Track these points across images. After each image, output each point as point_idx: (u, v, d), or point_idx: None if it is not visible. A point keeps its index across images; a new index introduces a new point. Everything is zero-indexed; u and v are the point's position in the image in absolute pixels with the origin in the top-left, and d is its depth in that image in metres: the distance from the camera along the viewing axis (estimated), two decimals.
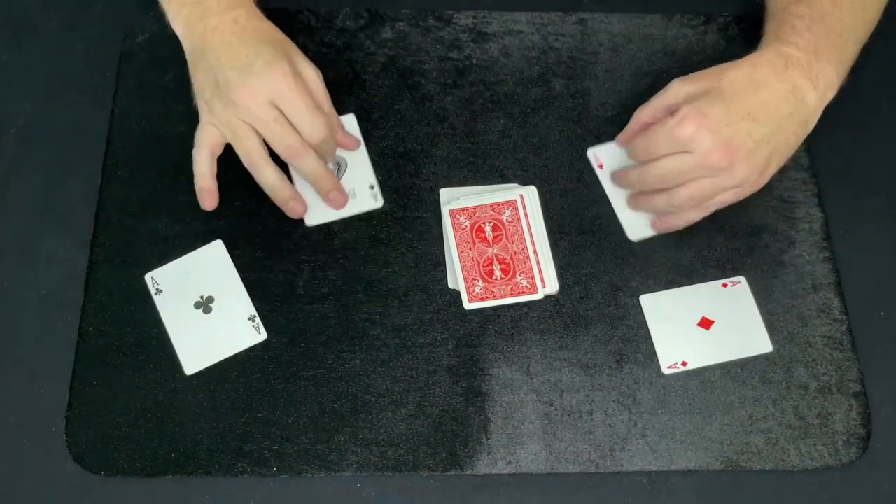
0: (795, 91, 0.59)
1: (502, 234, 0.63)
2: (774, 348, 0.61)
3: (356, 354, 0.61)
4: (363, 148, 0.67)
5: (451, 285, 0.63)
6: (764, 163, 0.59)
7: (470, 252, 0.63)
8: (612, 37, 0.71)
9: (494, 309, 0.62)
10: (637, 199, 0.64)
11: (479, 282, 0.62)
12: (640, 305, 0.62)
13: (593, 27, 0.71)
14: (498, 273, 0.62)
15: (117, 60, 0.68)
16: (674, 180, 0.60)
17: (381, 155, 0.66)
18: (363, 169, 0.66)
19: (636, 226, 0.65)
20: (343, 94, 0.68)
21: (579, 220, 0.65)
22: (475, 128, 0.68)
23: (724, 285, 0.63)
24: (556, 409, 0.60)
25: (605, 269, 0.64)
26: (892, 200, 0.67)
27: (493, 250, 0.63)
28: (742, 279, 0.63)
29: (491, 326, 0.62)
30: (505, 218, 0.64)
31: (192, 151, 0.63)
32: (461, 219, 0.64)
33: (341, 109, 0.67)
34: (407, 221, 0.65)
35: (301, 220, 0.64)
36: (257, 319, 0.61)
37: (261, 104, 0.59)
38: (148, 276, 0.61)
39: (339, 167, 0.64)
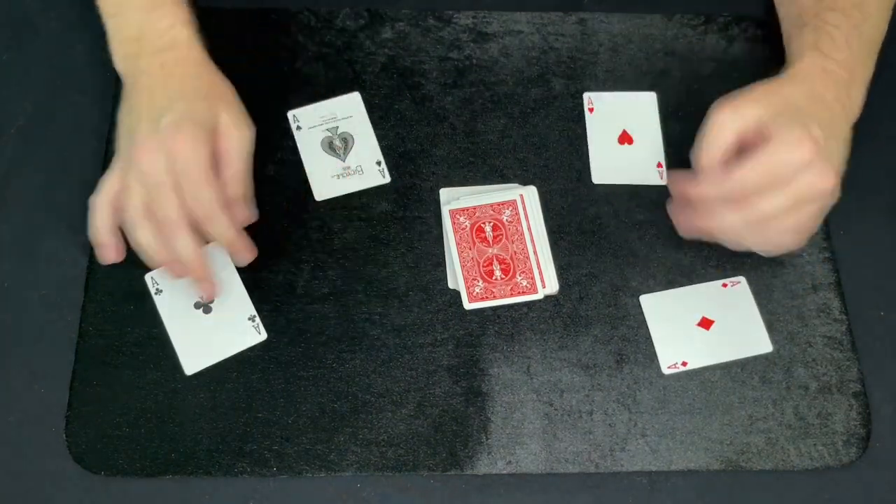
0: (844, 110, 0.58)
1: (502, 234, 0.63)
2: (774, 348, 0.61)
3: (356, 354, 0.61)
4: (369, 126, 0.67)
5: (451, 285, 0.63)
6: (841, 182, 0.57)
7: (470, 252, 0.63)
8: (612, 37, 0.71)
9: (494, 309, 0.62)
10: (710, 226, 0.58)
11: (479, 282, 0.62)
12: (640, 305, 0.62)
13: (593, 27, 0.71)
14: (498, 273, 0.62)
15: None
16: (782, 214, 0.55)
17: (382, 155, 0.66)
18: (370, 146, 0.66)
19: None
20: (343, 95, 0.68)
21: (579, 220, 0.65)
22: (475, 128, 0.68)
23: (724, 285, 0.63)
24: (556, 409, 0.60)
25: (605, 269, 0.64)
26: (892, 200, 0.67)
27: (493, 250, 0.63)
28: (742, 279, 0.63)
29: (491, 326, 0.62)
30: (505, 218, 0.64)
31: (89, 199, 0.58)
32: (461, 219, 0.64)
33: None
34: (407, 221, 0.65)
35: (302, 219, 0.64)
36: (257, 319, 0.61)
37: (153, 165, 0.54)
38: (148, 277, 0.61)
39: (347, 144, 0.65)
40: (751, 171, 0.55)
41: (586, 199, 0.66)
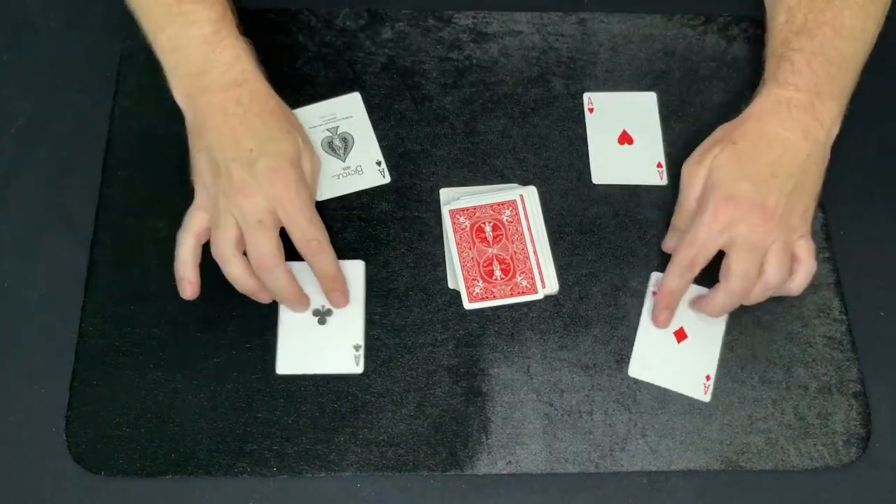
0: (807, 134, 0.59)
1: (502, 234, 0.63)
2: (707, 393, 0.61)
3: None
4: (369, 126, 0.67)
5: (451, 285, 0.63)
6: (803, 207, 0.59)
7: (470, 252, 0.63)
8: (612, 37, 0.71)
9: (494, 309, 0.62)
10: (714, 305, 0.60)
11: (479, 282, 0.62)
12: (640, 305, 0.62)
13: (593, 27, 0.71)
14: (498, 273, 0.62)
15: (117, 60, 0.68)
16: (742, 271, 0.58)
17: (382, 155, 0.66)
18: (370, 146, 0.66)
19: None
20: (343, 95, 0.68)
21: (579, 220, 0.65)
22: (475, 128, 0.68)
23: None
24: (556, 409, 0.60)
25: (605, 269, 0.64)
26: (892, 200, 0.67)
27: (493, 250, 0.63)
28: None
29: (491, 326, 0.62)
30: (505, 218, 0.64)
31: (178, 234, 0.59)
32: (461, 219, 0.64)
33: None
34: (407, 221, 0.65)
35: None
36: (361, 350, 0.60)
37: (255, 206, 0.57)
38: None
39: (347, 144, 0.65)
40: (685, 251, 0.59)
41: (586, 199, 0.66)
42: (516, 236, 0.63)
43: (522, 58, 0.70)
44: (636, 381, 0.60)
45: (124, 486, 0.57)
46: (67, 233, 0.63)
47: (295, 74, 0.68)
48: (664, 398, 0.60)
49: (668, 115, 0.68)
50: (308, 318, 0.61)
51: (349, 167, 0.66)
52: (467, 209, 0.64)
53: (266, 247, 0.57)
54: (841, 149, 0.64)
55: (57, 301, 0.61)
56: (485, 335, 0.62)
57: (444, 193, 0.65)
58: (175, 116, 0.66)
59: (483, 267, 0.62)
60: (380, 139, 0.67)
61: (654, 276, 0.63)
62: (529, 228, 0.64)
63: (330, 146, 0.66)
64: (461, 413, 0.59)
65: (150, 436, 0.58)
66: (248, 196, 0.57)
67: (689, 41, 0.71)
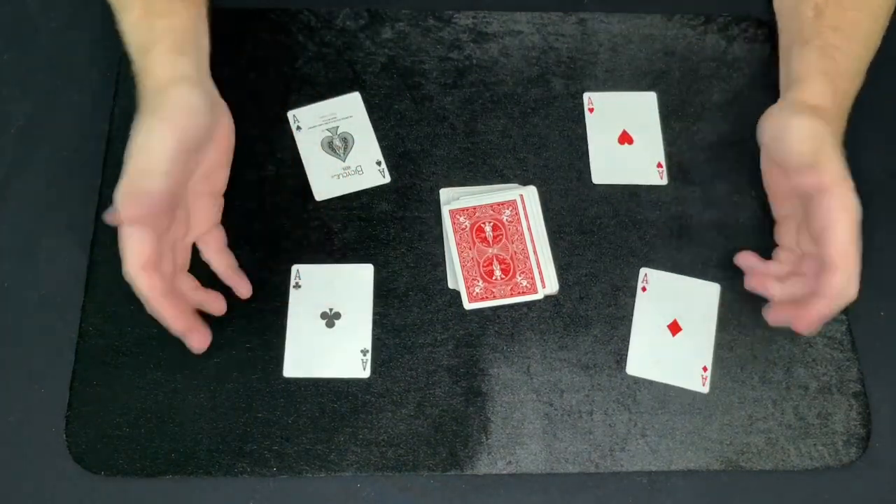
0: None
1: (502, 234, 0.63)
2: (710, 390, 0.60)
3: None
4: (369, 126, 0.67)
5: (451, 285, 0.63)
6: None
7: (470, 252, 0.63)
8: (612, 37, 0.71)
9: (494, 309, 0.62)
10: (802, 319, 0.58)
11: (479, 282, 0.62)
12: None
13: (593, 27, 0.71)
14: (498, 273, 0.62)
15: (117, 60, 0.68)
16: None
17: (382, 155, 0.66)
18: (370, 146, 0.66)
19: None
20: (343, 95, 0.68)
21: (579, 220, 0.65)
22: (475, 128, 0.68)
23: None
24: (556, 409, 0.60)
25: (605, 269, 0.64)
26: (892, 200, 0.67)
27: (493, 250, 0.63)
28: (717, 287, 0.63)
29: (491, 326, 0.62)
30: (505, 218, 0.64)
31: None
32: (461, 219, 0.64)
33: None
34: (407, 221, 0.65)
35: (302, 219, 0.64)
36: (368, 355, 0.60)
37: None
38: (294, 268, 0.62)
39: (347, 144, 0.65)
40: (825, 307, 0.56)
41: (586, 199, 0.66)
42: (516, 236, 0.63)
43: (522, 58, 0.70)
44: (636, 381, 0.60)
45: (124, 486, 0.57)
46: (67, 233, 0.63)
47: (295, 74, 0.68)
48: (664, 398, 0.60)
49: (668, 115, 0.68)
50: (316, 321, 0.61)
51: (349, 167, 0.66)
52: (467, 209, 0.64)
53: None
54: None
55: (57, 301, 0.61)
56: (485, 335, 0.62)
57: (444, 193, 0.65)
58: None
59: (483, 267, 0.62)
60: (380, 139, 0.67)
61: (643, 272, 0.63)
62: (529, 228, 0.64)
63: (330, 146, 0.66)
64: (461, 413, 0.59)
65: (150, 436, 0.58)
66: None
67: (689, 41, 0.71)
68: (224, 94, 0.67)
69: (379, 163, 0.66)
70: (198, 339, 0.58)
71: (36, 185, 0.65)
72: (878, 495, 0.59)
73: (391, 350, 0.61)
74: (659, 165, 0.67)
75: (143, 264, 0.54)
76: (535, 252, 0.63)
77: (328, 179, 0.65)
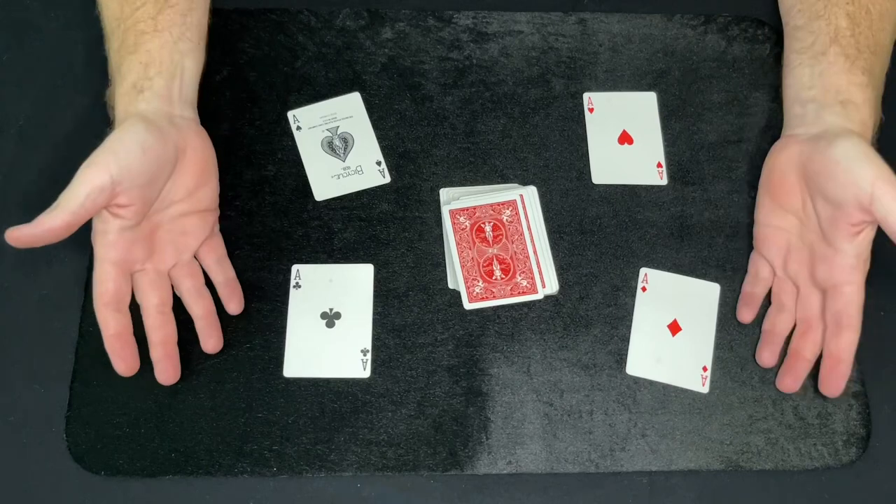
0: None
1: (502, 234, 0.63)
2: (711, 390, 0.61)
3: None
4: (369, 126, 0.67)
5: (451, 285, 0.63)
6: None
7: (470, 252, 0.63)
8: (612, 37, 0.71)
9: (494, 309, 0.62)
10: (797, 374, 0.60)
11: (479, 282, 0.62)
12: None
13: (593, 27, 0.71)
14: (498, 273, 0.62)
15: None
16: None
17: (382, 155, 0.66)
18: (370, 146, 0.66)
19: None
20: (343, 95, 0.68)
21: (579, 220, 0.65)
22: (475, 128, 0.68)
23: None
24: (556, 409, 0.60)
25: (605, 269, 0.64)
26: None
27: (493, 250, 0.63)
28: (717, 287, 0.63)
29: (491, 326, 0.62)
30: (505, 218, 0.64)
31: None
32: (461, 219, 0.64)
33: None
34: (407, 221, 0.65)
35: (302, 219, 0.64)
36: (369, 355, 0.60)
37: None
38: (294, 268, 0.62)
39: (347, 144, 0.65)
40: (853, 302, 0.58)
41: (586, 199, 0.66)
42: (516, 236, 0.63)
43: (522, 58, 0.70)
44: (636, 381, 0.60)
45: (124, 486, 0.57)
46: None
47: (295, 74, 0.68)
48: (664, 398, 0.60)
49: (668, 115, 0.68)
50: (316, 321, 0.61)
51: (349, 167, 0.66)
52: (467, 209, 0.64)
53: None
54: None
55: (57, 301, 0.61)
56: (485, 335, 0.62)
57: (444, 193, 0.65)
58: None
59: (483, 267, 0.62)
60: (380, 139, 0.67)
61: (643, 272, 0.63)
62: (529, 228, 0.64)
63: (330, 146, 0.66)
64: (461, 413, 0.59)
65: (150, 436, 0.58)
66: None
67: (689, 41, 0.71)
68: (224, 94, 0.68)
69: (379, 163, 0.66)
70: (162, 373, 0.58)
71: (36, 185, 0.65)
72: (878, 495, 0.59)
73: (391, 350, 0.61)
74: (659, 165, 0.67)
75: (106, 302, 0.56)
76: (535, 252, 0.63)
77: (328, 179, 0.65)
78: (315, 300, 0.62)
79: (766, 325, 0.61)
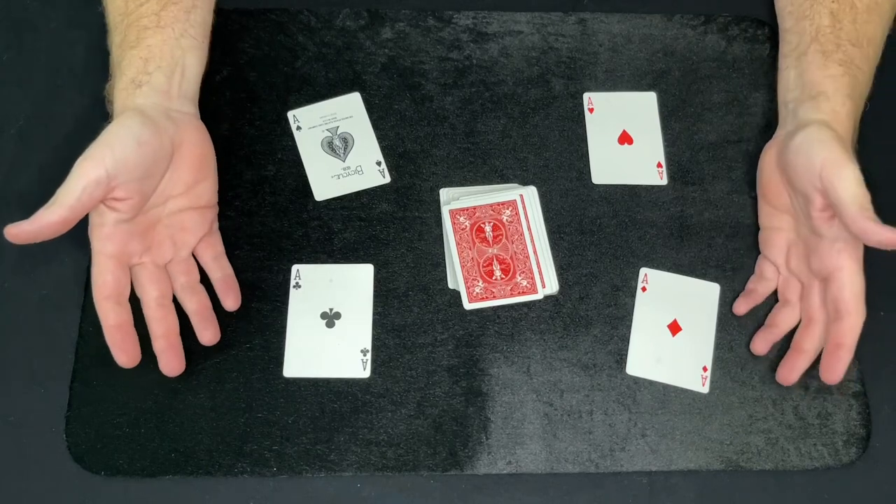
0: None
1: (502, 234, 0.63)
2: (710, 391, 0.61)
3: None
4: (369, 126, 0.67)
5: (451, 285, 0.63)
6: None
7: (470, 252, 0.63)
8: (612, 37, 0.71)
9: (494, 309, 0.62)
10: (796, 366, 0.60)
11: (479, 282, 0.62)
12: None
13: (593, 27, 0.71)
14: (498, 273, 0.62)
15: None
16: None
17: (382, 155, 0.66)
18: (370, 146, 0.66)
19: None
20: (343, 95, 0.68)
21: (579, 220, 0.65)
22: (475, 128, 0.68)
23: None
24: (556, 409, 0.60)
25: (605, 269, 0.64)
26: (892, 200, 0.67)
27: (493, 250, 0.63)
28: (717, 287, 0.63)
29: (491, 326, 0.62)
30: (505, 218, 0.64)
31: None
32: (461, 219, 0.64)
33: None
34: (407, 221, 0.65)
35: (302, 219, 0.64)
36: (368, 355, 0.60)
37: None
38: (294, 268, 0.62)
39: (347, 144, 0.65)
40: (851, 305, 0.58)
41: (586, 199, 0.66)
42: (516, 236, 0.63)
43: (522, 58, 0.70)
44: (636, 381, 0.60)
45: (124, 486, 0.57)
46: (67, 233, 0.63)
47: (295, 74, 0.68)
48: (664, 398, 0.60)
49: (668, 115, 0.68)
50: (316, 321, 0.61)
51: (349, 167, 0.66)
52: (467, 209, 0.64)
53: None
54: None
55: (57, 301, 0.61)
56: (485, 335, 0.62)
57: (444, 193, 0.65)
58: None
59: (483, 267, 0.62)
60: (380, 139, 0.67)
61: (643, 272, 0.63)
62: (529, 228, 0.64)
63: (330, 146, 0.66)
64: (461, 413, 0.59)
65: (150, 436, 0.58)
66: None
67: (689, 41, 0.71)
68: (224, 94, 0.68)
69: (379, 163, 0.66)
70: (167, 364, 0.58)
71: (36, 185, 0.65)
72: (878, 495, 0.59)
73: (391, 350, 0.61)
74: (659, 165, 0.67)
75: (107, 295, 0.56)
76: (535, 252, 0.63)
77: (328, 179, 0.65)
78: (315, 300, 0.62)
79: (769, 318, 0.62)
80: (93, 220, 0.56)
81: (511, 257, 0.63)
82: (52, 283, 0.62)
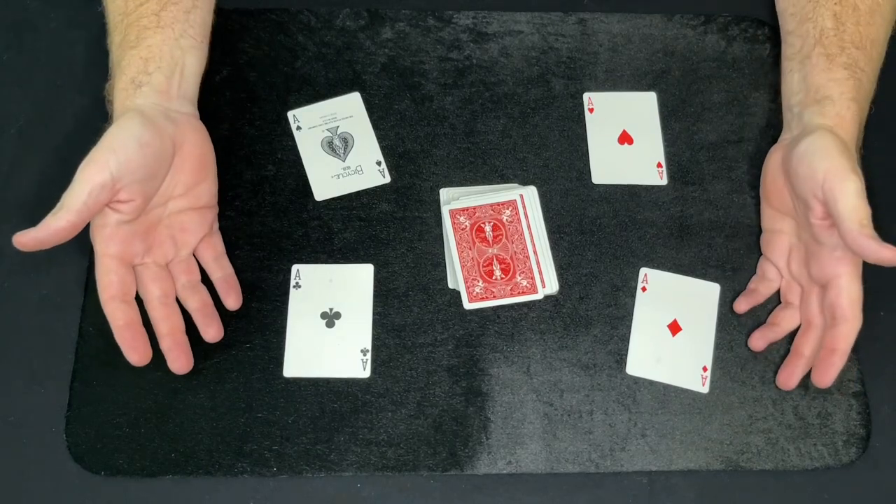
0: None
1: (502, 234, 0.63)
2: (709, 390, 0.60)
3: None
4: (369, 126, 0.67)
5: (451, 285, 0.63)
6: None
7: (470, 252, 0.63)
8: (612, 37, 0.71)
9: (494, 309, 0.62)
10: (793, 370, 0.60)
11: (479, 282, 0.62)
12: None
13: (593, 27, 0.71)
14: (498, 273, 0.62)
15: None
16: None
17: (382, 155, 0.66)
18: (370, 146, 0.66)
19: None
20: (343, 95, 0.68)
21: (579, 220, 0.65)
22: (475, 128, 0.68)
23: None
24: (556, 409, 0.60)
25: (605, 269, 0.64)
26: (892, 200, 0.67)
27: (493, 250, 0.63)
28: (717, 287, 0.63)
29: (491, 326, 0.62)
30: (505, 218, 0.64)
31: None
32: (461, 219, 0.64)
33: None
34: (407, 221, 0.65)
35: (302, 219, 0.64)
36: (368, 355, 0.60)
37: None
38: (294, 268, 0.62)
39: (347, 144, 0.65)
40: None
41: (586, 199, 0.66)
42: (516, 236, 0.63)
43: (522, 58, 0.70)
44: (636, 381, 0.60)
45: (124, 486, 0.57)
46: None
47: (295, 74, 0.68)
48: (664, 398, 0.60)
49: (668, 115, 0.68)
50: (316, 321, 0.61)
51: (349, 167, 0.66)
52: (467, 209, 0.64)
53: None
54: None
55: (57, 301, 0.61)
56: (485, 335, 0.62)
57: (444, 193, 0.65)
58: None
59: (483, 267, 0.62)
60: (380, 139, 0.67)
61: (643, 272, 0.63)
62: (529, 228, 0.64)
63: (330, 146, 0.66)
64: (461, 413, 0.59)
65: (150, 436, 0.58)
66: None
67: (689, 41, 0.71)
68: (224, 94, 0.68)
69: (379, 163, 0.66)
70: (174, 361, 0.58)
71: (36, 185, 0.65)
72: (878, 495, 0.59)
73: (391, 350, 0.61)
74: (659, 165, 0.67)
75: (112, 295, 0.56)
76: (535, 252, 0.63)
77: (328, 179, 0.65)
78: (315, 300, 0.62)
79: (771, 316, 0.62)
80: (95, 222, 0.56)
81: (511, 257, 0.63)
82: (52, 283, 0.62)
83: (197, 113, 0.62)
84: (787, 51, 0.65)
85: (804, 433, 0.59)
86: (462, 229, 0.63)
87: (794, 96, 0.63)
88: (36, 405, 0.59)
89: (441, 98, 0.68)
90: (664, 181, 0.66)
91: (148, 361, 0.57)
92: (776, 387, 0.60)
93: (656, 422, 0.59)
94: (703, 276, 0.64)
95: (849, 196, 0.54)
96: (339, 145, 0.66)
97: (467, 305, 0.62)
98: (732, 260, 0.64)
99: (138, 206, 0.56)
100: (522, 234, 0.63)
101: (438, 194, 0.65)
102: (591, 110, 0.68)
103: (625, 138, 0.68)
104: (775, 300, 0.63)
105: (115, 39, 0.61)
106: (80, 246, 0.62)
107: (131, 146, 0.55)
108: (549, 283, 0.62)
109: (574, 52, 0.70)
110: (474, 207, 0.64)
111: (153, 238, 0.59)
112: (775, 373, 0.61)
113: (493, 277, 0.62)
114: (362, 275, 0.62)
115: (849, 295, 0.57)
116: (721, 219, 0.65)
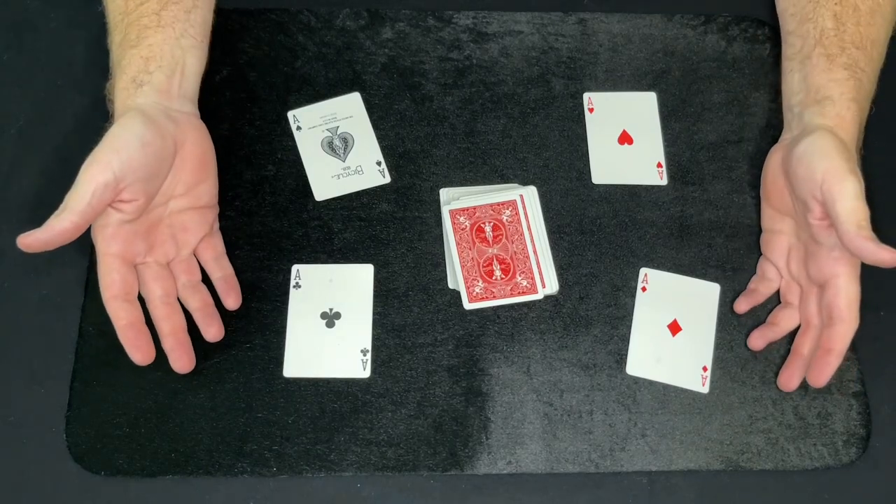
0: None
1: (502, 234, 0.63)
2: (709, 390, 0.60)
3: None
4: (369, 126, 0.67)
5: (451, 285, 0.63)
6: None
7: (470, 252, 0.63)
8: (612, 37, 0.71)
9: (494, 309, 0.62)
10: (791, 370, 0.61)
11: (479, 282, 0.62)
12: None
13: (593, 27, 0.71)
14: (498, 273, 0.62)
15: None
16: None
17: (382, 155, 0.66)
18: (370, 146, 0.66)
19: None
20: (343, 95, 0.68)
21: (579, 220, 0.65)
22: (475, 128, 0.68)
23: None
24: (556, 409, 0.60)
25: (605, 269, 0.64)
26: (892, 200, 0.67)
27: (493, 250, 0.63)
28: (717, 287, 0.63)
29: (491, 326, 0.62)
30: (505, 218, 0.64)
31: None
32: (461, 219, 0.64)
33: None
34: (407, 221, 0.65)
35: (302, 219, 0.64)
36: (368, 355, 0.60)
37: None
38: (294, 268, 0.62)
39: (347, 144, 0.65)
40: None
41: (586, 199, 0.66)
42: (516, 236, 0.63)
43: (522, 58, 0.70)
44: (636, 381, 0.60)
45: (124, 486, 0.57)
46: None
47: (295, 74, 0.68)
48: (664, 398, 0.60)
49: (668, 115, 0.68)
50: (316, 321, 0.61)
51: (349, 167, 0.66)
52: (467, 209, 0.64)
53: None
54: None
55: (57, 301, 0.61)
56: (485, 335, 0.62)
57: (444, 193, 0.65)
58: None
59: (483, 267, 0.62)
60: (380, 139, 0.67)
61: (643, 272, 0.63)
62: (529, 228, 0.64)
63: (330, 146, 0.66)
64: (461, 413, 0.59)
65: (150, 436, 0.58)
66: None
67: (689, 41, 0.71)
68: (224, 94, 0.68)
69: (379, 163, 0.66)
70: (177, 360, 0.58)
71: (36, 185, 0.65)
72: (878, 495, 0.59)
73: (391, 350, 0.61)
74: (659, 165, 0.67)
75: (115, 294, 0.56)
76: (535, 252, 0.63)
77: (328, 179, 0.65)
78: (315, 300, 0.62)
79: (770, 316, 0.62)
80: (97, 221, 0.56)
81: (511, 257, 0.63)
82: (52, 283, 0.62)
83: (198, 112, 0.62)
84: (787, 51, 0.65)
85: (804, 433, 0.59)
86: (462, 229, 0.63)
87: (794, 96, 0.63)
88: (36, 405, 0.59)
89: (441, 98, 0.68)
90: (664, 181, 0.66)
91: (151, 360, 0.57)
92: (776, 387, 0.60)
93: (656, 422, 0.59)
94: (703, 276, 0.64)
95: (847, 197, 0.54)
96: (339, 145, 0.66)
97: (467, 305, 0.62)
98: (732, 260, 0.64)
99: (140, 205, 0.56)
100: (522, 234, 0.63)
101: (438, 194, 0.65)
102: (591, 110, 0.68)
103: (625, 138, 0.68)
104: (775, 300, 0.63)
105: (116, 39, 0.61)
106: (81, 246, 0.62)
107: (134, 146, 0.55)
108: (549, 284, 0.62)
109: (574, 52, 0.70)
110: (474, 207, 0.64)
111: (154, 237, 0.59)
112: (775, 373, 0.61)
113: (493, 277, 0.62)
114: (362, 275, 0.62)
115: (846, 295, 0.57)
116: (721, 219, 0.65)
